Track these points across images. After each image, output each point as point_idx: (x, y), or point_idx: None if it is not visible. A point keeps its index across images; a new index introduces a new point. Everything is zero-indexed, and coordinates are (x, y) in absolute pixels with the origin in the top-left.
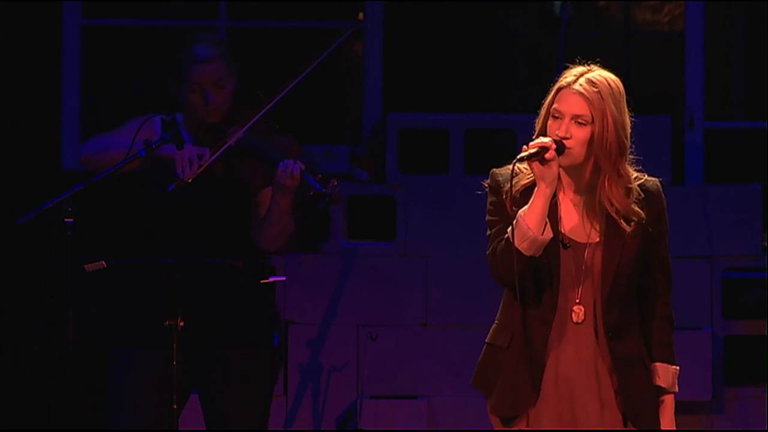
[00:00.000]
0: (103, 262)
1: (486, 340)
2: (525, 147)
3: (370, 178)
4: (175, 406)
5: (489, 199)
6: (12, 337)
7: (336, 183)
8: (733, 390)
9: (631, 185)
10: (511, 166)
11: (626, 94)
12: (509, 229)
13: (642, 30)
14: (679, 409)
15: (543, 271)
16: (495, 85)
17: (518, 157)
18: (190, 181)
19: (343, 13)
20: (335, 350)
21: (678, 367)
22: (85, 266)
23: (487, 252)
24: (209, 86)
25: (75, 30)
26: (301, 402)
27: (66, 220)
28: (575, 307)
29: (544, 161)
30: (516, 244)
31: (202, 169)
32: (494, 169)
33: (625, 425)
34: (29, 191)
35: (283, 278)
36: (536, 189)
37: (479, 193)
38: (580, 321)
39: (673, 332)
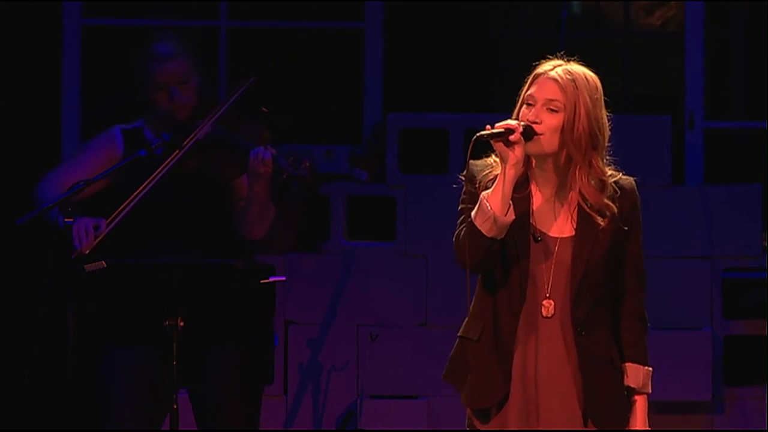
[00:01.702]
0: (103, 262)
1: (459, 334)
2: (488, 126)
3: (370, 178)
4: (175, 407)
5: (464, 189)
6: (12, 337)
7: (308, 164)
8: (733, 390)
9: (604, 179)
10: (473, 144)
11: (626, 94)
12: (473, 212)
13: (642, 30)
14: (679, 409)
15: (512, 262)
16: (495, 85)
17: (479, 134)
18: (87, 252)
19: (343, 13)
20: (335, 350)
21: (650, 368)
22: (85, 266)
23: (453, 238)
24: (173, 83)
25: (75, 30)
26: (301, 402)
27: (66, 220)
28: (545, 301)
29: (508, 143)
30: (477, 224)
31: (99, 238)
32: (471, 160)
33: (585, 424)
34: (29, 191)
35: (283, 278)
36: (500, 171)
37: (455, 186)
38: (549, 315)
39: (645, 332)
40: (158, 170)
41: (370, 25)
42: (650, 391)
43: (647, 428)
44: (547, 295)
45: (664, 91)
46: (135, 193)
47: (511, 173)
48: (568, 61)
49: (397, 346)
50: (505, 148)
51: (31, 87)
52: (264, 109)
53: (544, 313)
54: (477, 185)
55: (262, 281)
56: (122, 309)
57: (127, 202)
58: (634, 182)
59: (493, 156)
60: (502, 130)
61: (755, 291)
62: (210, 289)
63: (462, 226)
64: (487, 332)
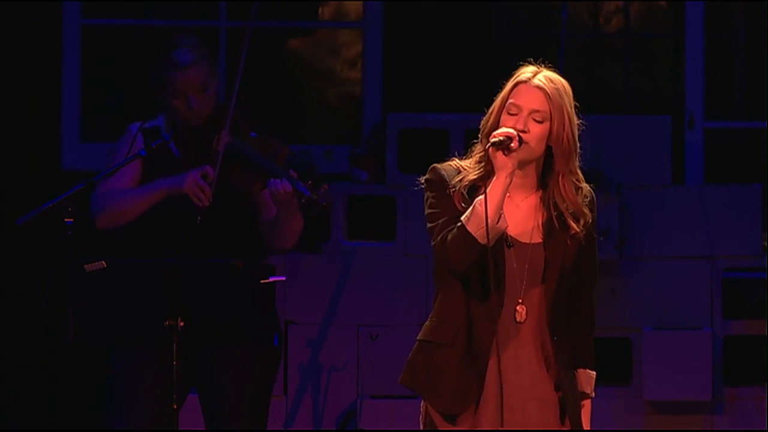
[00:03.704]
0: (103, 262)
1: (420, 338)
2: (495, 134)
3: (370, 178)
4: (175, 406)
5: (430, 193)
6: (12, 337)
7: (327, 188)
8: (733, 390)
9: (580, 184)
10: (484, 151)
11: (626, 94)
12: (463, 217)
13: (642, 30)
14: (679, 409)
15: (487, 268)
16: (495, 85)
17: (492, 142)
18: (209, 204)
19: (343, 13)
20: (335, 350)
21: (595, 372)
22: (85, 266)
23: (433, 243)
24: (191, 91)
25: (75, 30)
26: (301, 402)
27: (66, 220)
28: (518, 307)
29: (508, 151)
30: (471, 230)
31: (213, 185)
32: (436, 165)
33: (562, 424)
34: (29, 191)
35: (283, 278)
36: (495, 179)
37: (415, 188)
38: (522, 321)
39: (593, 335)
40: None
41: (370, 25)
42: (594, 395)
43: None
44: (520, 300)
45: (664, 91)
46: (224, 141)
47: (507, 181)
48: (539, 66)
49: (397, 346)
50: (504, 158)
51: (31, 87)
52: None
53: (517, 319)
54: (451, 190)
55: (262, 281)
56: (123, 309)
57: (221, 151)
58: (591, 189)
59: (456, 160)
60: (505, 137)
61: (755, 291)
62: (210, 290)
63: (446, 231)
64: (461, 337)
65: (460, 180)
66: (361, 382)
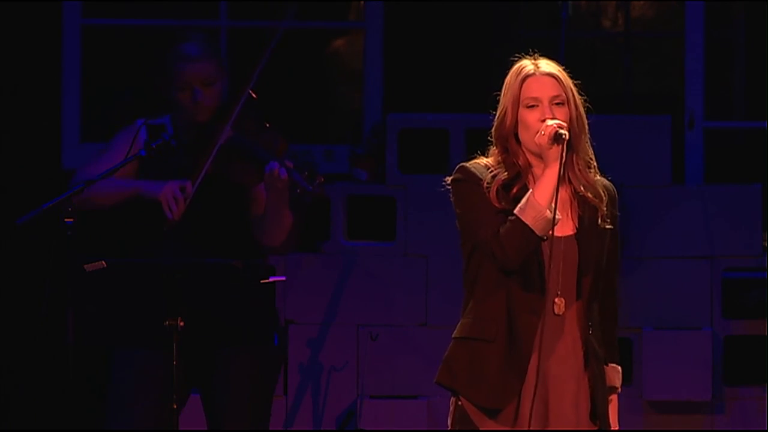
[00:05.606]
0: (103, 262)
1: (456, 336)
2: (549, 127)
3: (370, 178)
4: (175, 406)
5: (464, 191)
6: (12, 337)
7: (323, 180)
8: (733, 390)
9: (590, 160)
10: (560, 151)
11: (626, 94)
12: (517, 210)
13: (642, 30)
14: (679, 409)
15: (531, 260)
16: (495, 85)
17: (564, 139)
18: (179, 219)
19: (343, 13)
20: (335, 350)
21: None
22: (85, 266)
23: (479, 238)
24: (198, 84)
25: (75, 30)
26: (301, 402)
27: (66, 220)
28: (556, 299)
29: (561, 141)
30: (530, 222)
31: (189, 200)
32: (463, 164)
33: (594, 423)
34: (29, 191)
35: (283, 278)
36: (548, 170)
37: (441, 190)
38: (561, 313)
39: (616, 330)
40: (210, 153)
41: (370, 25)
42: (620, 390)
43: (617, 427)
44: (558, 293)
45: (664, 91)
46: (211, 157)
47: (561, 171)
48: (534, 57)
49: (397, 346)
50: (557, 148)
51: (31, 87)
52: (267, 124)
53: (556, 311)
54: (485, 186)
55: (262, 281)
56: (123, 309)
57: (208, 162)
58: (612, 184)
59: (483, 158)
60: (563, 131)
61: (755, 291)
62: (210, 290)
63: (497, 225)
64: (502, 332)
65: (494, 175)
66: (361, 382)
